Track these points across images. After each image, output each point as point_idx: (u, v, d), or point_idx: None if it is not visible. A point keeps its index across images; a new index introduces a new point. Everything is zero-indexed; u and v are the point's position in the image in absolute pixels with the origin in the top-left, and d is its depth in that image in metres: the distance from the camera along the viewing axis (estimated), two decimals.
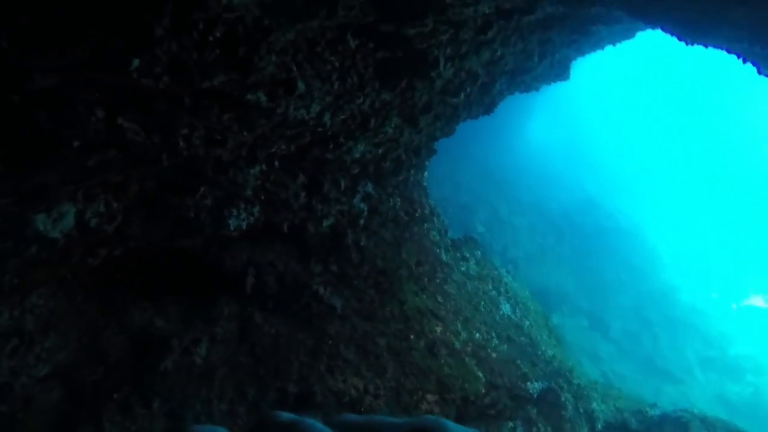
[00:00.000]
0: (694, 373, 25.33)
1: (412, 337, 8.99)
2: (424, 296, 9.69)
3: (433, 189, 24.67)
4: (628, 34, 10.44)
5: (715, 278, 34.91)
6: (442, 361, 8.94)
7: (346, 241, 8.13)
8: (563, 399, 10.88)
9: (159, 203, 5.48)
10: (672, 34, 5.78)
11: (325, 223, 7.62)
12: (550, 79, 9.89)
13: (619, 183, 40.30)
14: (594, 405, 12.07)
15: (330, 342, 7.68)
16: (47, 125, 3.65)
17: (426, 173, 11.22)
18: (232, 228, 6.52)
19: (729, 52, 5.45)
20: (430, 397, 8.50)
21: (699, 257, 36.77)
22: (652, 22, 5.83)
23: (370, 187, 8.33)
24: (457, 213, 23.14)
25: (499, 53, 7.34)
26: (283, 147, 6.36)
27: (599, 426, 11.90)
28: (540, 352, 11.43)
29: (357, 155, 7.39)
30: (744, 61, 5.40)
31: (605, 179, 39.52)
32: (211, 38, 4.08)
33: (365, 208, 8.34)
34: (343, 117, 6.16)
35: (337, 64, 5.65)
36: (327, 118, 6.12)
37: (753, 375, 25.40)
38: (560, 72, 9.58)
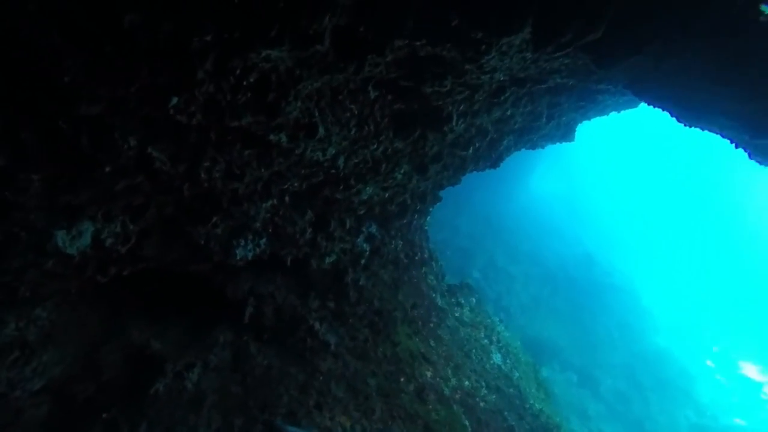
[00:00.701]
0: None
1: (402, 379, 9.00)
2: (417, 339, 9.75)
3: (434, 232, 24.90)
4: (632, 104, 10.92)
5: (709, 344, 34.74)
6: (431, 406, 8.92)
7: (346, 279, 8.28)
8: None
9: (174, 228, 5.68)
10: (672, 116, 6.14)
11: (328, 260, 7.80)
12: (556, 139, 10.28)
13: (616, 241, 40.64)
14: None
15: (321, 378, 7.71)
16: (88, 149, 3.89)
17: (428, 218, 11.47)
18: (238, 257, 6.69)
19: (723, 137, 5.79)
20: None
21: (692, 322, 36.71)
22: (653, 102, 6.20)
23: (374, 228, 8.54)
24: (455, 257, 23.31)
25: (509, 113, 7.71)
26: (296, 184, 6.61)
27: None
28: (528, 406, 11.37)
29: (365, 197, 7.65)
30: (736, 147, 5.74)
31: (602, 236, 39.88)
32: (245, 83, 4.39)
33: (368, 249, 8.53)
34: (356, 161, 6.45)
35: (356, 112, 5.98)
36: (341, 161, 6.40)
37: None
38: (566, 133, 9.98)
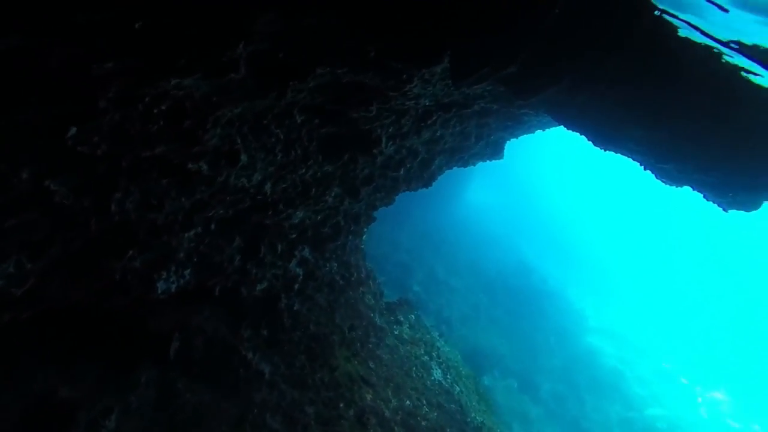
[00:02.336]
0: None
1: (341, 405, 8.79)
2: (356, 362, 9.59)
3: (373, 247, 24.86)
4: (556, 123, 11.50)
5: (636, 342, 36.90)
6: (371, 431, 8.76)
7: (279, 305, 8.01)
8: None
9: (85, 264, 5.22)
10: (588, 140, 6.51)
11: (259, 286, 7.50)
12: (486, 157, 10.58)
13: (550, 248, 42.50)
14: None
15: (256, 410, 7.35)
16: None
17: (364, 236, 11.40)
18: (160, 291, 6.28)
19: (633, 160, 6.21)
20: None
21: (620, 321, 38.96)
22: (570, 127, 6.55)
23: (307, 252, 8.35)
24: (396, 271, 23.38)
25: (439, 134, 7.84)
26: (221, 211, 6.32)
27: None
28: (469, 419, 11.46)
29: (296, 221, 7.46)
30: (645, 169, 6.16)
31: (537, 244, 41.62)
32: (156, 111, 4.13)
33: (301, 273, 8.32)
34: (284, 185, 6.27)
35: (282, 137, 5.81)
36: (268, 186, 6.19)
37: None
38: (495, 151, 10.30)
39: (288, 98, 4.91)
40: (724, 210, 6.18)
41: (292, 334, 8.56)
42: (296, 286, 8.34)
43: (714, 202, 6.21)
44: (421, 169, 8.31)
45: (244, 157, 5.22)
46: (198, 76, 3.64)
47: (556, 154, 60.99)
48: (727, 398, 34.13)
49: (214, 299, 7.46)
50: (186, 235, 6.09)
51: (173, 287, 6.46)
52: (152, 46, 3.28)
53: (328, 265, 9.19)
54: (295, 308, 8.49)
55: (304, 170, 6.48)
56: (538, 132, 13.21)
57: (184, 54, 3.39)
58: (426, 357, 11.94)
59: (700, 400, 33.30)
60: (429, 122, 6.81)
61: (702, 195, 6.10)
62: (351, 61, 4.09)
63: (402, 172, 7.78)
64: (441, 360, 12.31)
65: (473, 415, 11.86)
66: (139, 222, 5.31)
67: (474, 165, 11.00)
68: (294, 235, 7.90)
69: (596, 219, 59.49)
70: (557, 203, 56.12)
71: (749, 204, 5.78)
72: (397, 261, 25.04)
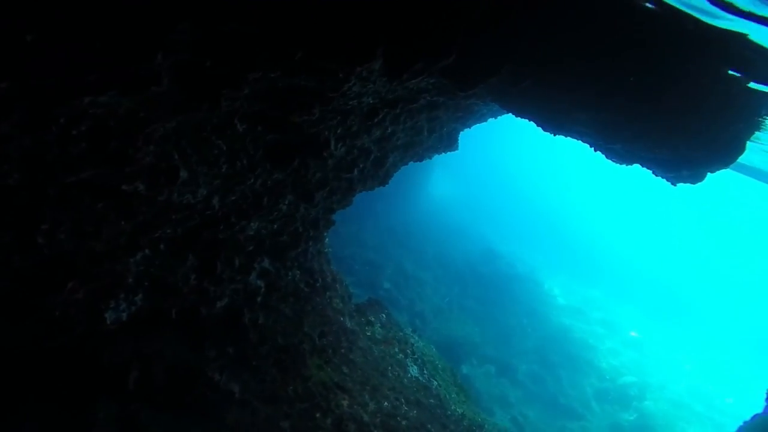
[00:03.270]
0: (592, 407, 26.86)
1: (318, 415, 8.60)
2: (330, 369, 9.40)
3: (339, 248, 24.65)
4: (504, 112, 11.61)
5: (605, 315, 38.10)
6: None
7: (242, 321, 7.73)
8: None
9: (15, 304, 4.84)
10: (538, 126, 6.55)
11: (219, 304, 7.21)
12: (440, 150, 10.55)
13: (515, 233, 43.29)
14: None
15: None
16: None
17: (327, 239, 11.19)
18: (110, 321, 5.92)
19: (583, 142, 6.29)
20: None
21: (589, 298, 40.12)
22: (520, 115, 6.57)
23: (267, 263, 8.10)
24: (364, 271, 23.25)
25: (390, 130, 7.72)
26: (169, 231, 6.01)
27: None
28: (449, 412, 11.47)
29: (251, 233, 7.20)
30: (595, 150, 6.25)
31: (502, 230, 42.33)
32: (75, 132, 3.82)
33: (262, 285, 8.06)
34: (233, 198, 6.01)
35: (224, 148, 5.56)
36: (216, 200, 5.93)
37: (637, 401, 27.60)
38: (449, 143, 10.28)
39: (223, 108, 4.67)
40: (672, 184, 6.37)
41: (260, 348, 8.29)
42: (259, 299, 8.08)
43: (663, 178, 6.37)
44: (375, 167, 8.18)
45: (184, 173, 4.95)
46: (113, 92, 3.37)
47: (515, 140, 62.19)
48: (691, 363, 35.68)
49: (172, 323, 7.12)
50: (132, 259, 5.75)
51: (124, 315, 6.11)
52: (54, 62, 3.00)
53: (290, 273, 8.95)
54: (260, 322, 8.23)
55: (252, 180, 6.23)
56: (496, 119, 13.34)
57: (93, 69, 3.13)
58: (401, 355, 11.86)
59: (670, 364, 34.66)
60: (377, 119, 6.68)
61: (651, 171, 6.26)
62: (282, 64, 3.90)
63: (356, 172, 7.63)
64: (416, 356, 12.26)
65: (453, 407, 11.87)
66: (76, 251, 4.96)
67: (430, 158, 10.96)
68: (251, 247, 7.63)
69: (560, 199, 61.00)
70: (520, 188, 57.25)
71: (694, 177, 5.96)
72: (364, 260, 24.93)
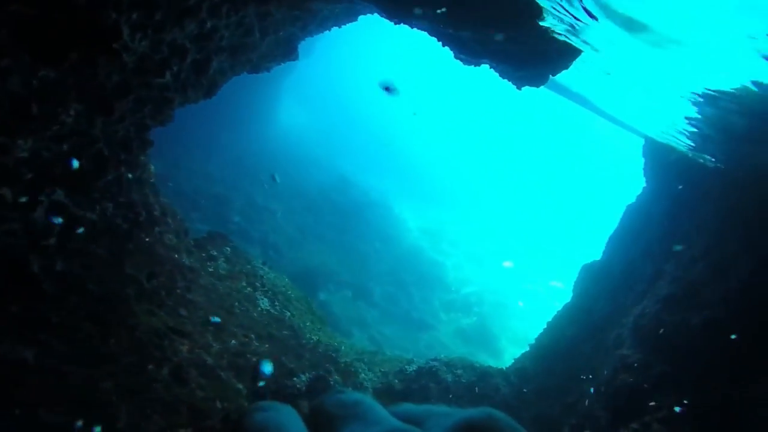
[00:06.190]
0: (440, 317, 29.68)
1: (151, 366, 7.49)
2: (163, 313, 8.22)
3: (183, 182, 22.14)
4: (351, 16, 10.65)
5: (451, 234, 41.51)
6: (193, 384, 7.73)
7: (30, 269, 6.08)
8: (332, 382, 10.91)
9: None
10: (381, 16, 5.83)
11: None
12: (279, 59, 9.31)
13: (367, 161, 43.85)
14: (362, 377, 12.56)
15: (17, 411, 5.66)
16: None
17: (152, 168, 9.47)
18: None
19: (430, 35, 5.77)
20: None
21: (436, 219, 43.18)
22: (359, 4, 5.74)
23: (60, 195, 6.39)
24: (210, 205, 21.35)
25: (209, 25, 6.33)
26: None
27: (369, 395, 12.48)
28: (305, 341, 11.18)
29: (25, 155, 5.46)
30: (443, 45, 5.81)
31: (355, 158, 42.50)
32: None
33: (58, 223, 6.39)
34: None
35: None
36: None
37: (477, 307, 31.27)
38: (288, 52, 9.09)
39: None
40: (517, 88, 6.34)
41: (65, 302, 6.74)
42: (52, 241, 6.42)
43: (509, 79, 6.28)
44: (195, 73, 6.76)
45: None
46: None
47: (363, 68, 61.48)
48: (518, 265, 41.19)
49: None
50: None
51: None
52: None
53: (98, 207, 7.30)
54: (58, 269, 6.61)
55: (10, 78, 4.52)
56: (346, 44, 12.30)
57: None
58: (249, 289, 11.05)
59: (504, 266, 39.61)
60: (189, 5, 5.30)
61: (498, 74, 6.10)
62: None
63: (168, 77, 6.17)
64: (266, 288, 11.56)
65: (308, 335, 11.61)
66: None
67: (268, 71, 9.66)
68: (30, 176, 5.86)
69: (407, 127, 62.95)
70: (370, 117, 57.56)
71: (537, 78, 5.94)
72: (211, 194, 22.92)
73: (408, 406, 2.51)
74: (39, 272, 6.22)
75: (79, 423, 6.09)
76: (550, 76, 6.08)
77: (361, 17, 11.21)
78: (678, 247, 7.86)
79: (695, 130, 8.09)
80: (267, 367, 9.06)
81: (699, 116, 7.78)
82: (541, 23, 5.33)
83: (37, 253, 6.19)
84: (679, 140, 8.89)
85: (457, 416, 1.97)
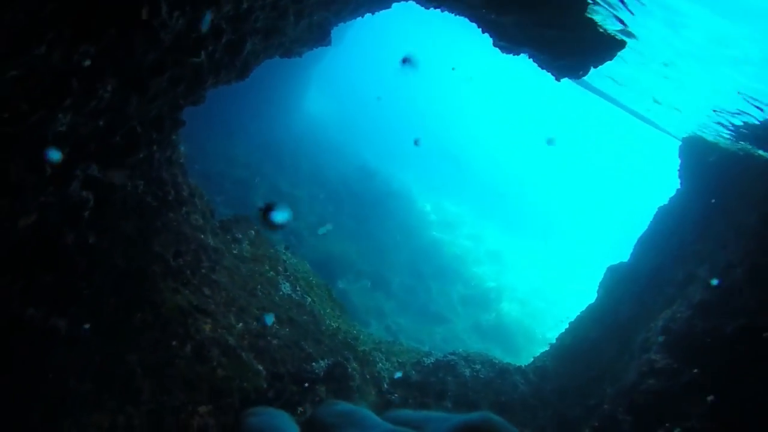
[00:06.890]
0: (458, 311, 29.52)
1: (174, 343, 7.61)
2: (188, 291, 8.33)
3: (208, 165, 22.38)
4: (385, 2, 10.50)
5: (468, 229, 41.21)
6: (215, 363, 7.84)
7: (64, 241, 6.20)
8: (350, 370, 10.94)
9: None
10: (417, 2, 5.69)
11: (23, 222, 5.59)
12: (311, 44, 9.26)
13: (391, 151, 43.71)
14: (379, 366, 12.57)
15: (50, 377, 5.81)
16: None
17: (182, 148, 9.57)
18: None
19: (470, 20, 5.62)
20: (203, 409, 7.36)
21: (457, 212, 42.89)
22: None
23: (95, 170, 6.48)
24: (235, 189, 21.58)
25: (246, 5, 6.30)
26: None
27: (385, 385, 12.49)
28: (324, 328, 11.24)
29: (63, 128, 5.53)
30: (482, 32, 5.64)
31: (379, 148, 42.40)
32: None
33: (90, 198, 6.49)
34: (14, 73, 4.34)
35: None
36: None
37: (495, 303, 31.04)
38: (321, 37, 9.03)
39: None
40: (556, 79, 6.14)
41: (92, 277, 6.87)
42: (86, 215, 6.53)
43: (548, 70, 6.08)
44: (229, 54, 6.75)
45: None
46: None
47: (389, 59, 61.03)
48: (540, 264, 40.72)
49: None
50: None
51: None
52: None
53: (129, 184, 7.40)
54: (90, 242, 6.73)
55: (45, 50, 4.55)
56: (377, 33, 12.28)
57: None
58: (272, 273, 11.13)
59: (524, 271, 39.16)
60: None
61: (537, 64, 5.91)
62: None
63: (203, 56, 6.18)
64: (288, 273, 11.63)
65: (328, 322, 11.66)
66: None
67: (300, 56, 9.61)
68: (66, 149, 5.94)
69: (432, 119, 62.52)
70: (395, 108, 57.30)
71: (579, 68, 5.72)
72: (235, 178, 23.15)
73: (406, 412, 2.54)
74: (71, 246, 6.34)
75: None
76: (592, 67, 5.85)
77: (394, 4, 11.07)
78: (714, 281, 7.46)
79: (740, 123, 7.71)
80: (269, 319, 9.33)
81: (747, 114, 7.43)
82: (587, 14, 5.13)
83: (72, 228, 6.31)
84: (721, 133, 8.51)
85: (454, 420, 2.00)
